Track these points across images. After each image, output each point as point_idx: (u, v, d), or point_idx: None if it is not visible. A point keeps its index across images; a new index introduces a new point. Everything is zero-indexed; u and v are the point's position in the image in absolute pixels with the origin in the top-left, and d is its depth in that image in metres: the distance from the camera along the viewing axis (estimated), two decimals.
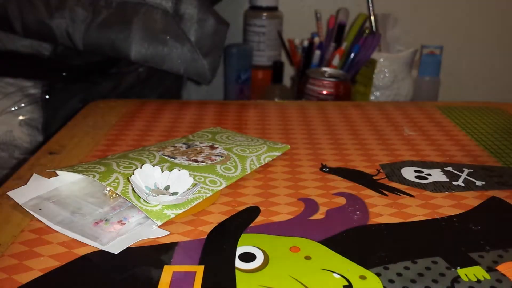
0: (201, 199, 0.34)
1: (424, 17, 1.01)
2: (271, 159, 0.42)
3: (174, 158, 0.38)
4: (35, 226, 0.31)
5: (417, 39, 0.98)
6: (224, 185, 0.36)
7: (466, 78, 1.06)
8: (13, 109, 0.63)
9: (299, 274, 0.27)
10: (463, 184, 0.38)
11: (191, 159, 0.39)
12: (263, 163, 0.41)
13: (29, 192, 0.34)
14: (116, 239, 0.30)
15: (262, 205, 0.35)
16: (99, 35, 0.64)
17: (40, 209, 0.32)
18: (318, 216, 0.33)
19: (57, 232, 0.31)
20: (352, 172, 0.40)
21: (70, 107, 0.67)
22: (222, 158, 0.39)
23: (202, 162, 0.38)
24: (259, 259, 0.28)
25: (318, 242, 0.30)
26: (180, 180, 0.34)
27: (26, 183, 0.35)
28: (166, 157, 0.38)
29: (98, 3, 0.64)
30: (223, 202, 0.35)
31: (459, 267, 0.28)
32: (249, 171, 0.39)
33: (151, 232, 0.31)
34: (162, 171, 0.34)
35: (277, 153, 0.43)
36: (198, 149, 0.41)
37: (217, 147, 0.42)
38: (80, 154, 0.43)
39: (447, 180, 0.39)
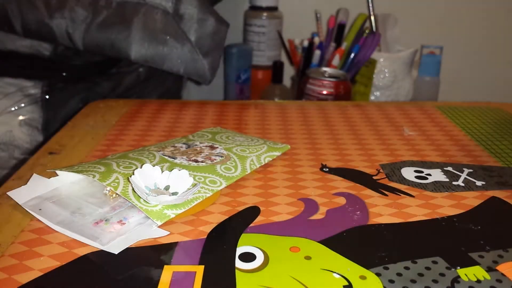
0: (201, 199, 0.34)
1: (424, 17, 1.01)
2: (271, 159, 0.42)
3: (174, 158, 0.38)
4: (35, 226, 0.31)
5: (417, 39, 0.98)
6: (224, 185, 0.36)
7: (466, 78, 1.06)
8: (13, 109, 0.63)
9: (299, 274, 0.27)
10: (463, 184, 0.38)
11: (191, 159, 0.39)
12: (263, 163, 0.41)
13: (29, 192, 0.34)
14: (116, 239, 0.30)
15: (262, 205, 0.35)
16: (99, 35, 0.64)
17: (40, 209, 0.32)
18: (318, 216, 0.33)
19: (57, 232, 0.31)
20: (352, 172, 0.40)
21: (70, 107, 0.67)
22: (222, 158, 0.39)
23: (202, 162, 0.38)
24: (259, 259, 0.28)
25: (318, 242, 0.30)
26: (180, 180, 0.34)
27: (26, 183, 0.35)
28: (166, 157, 0.38)
29: (98, 3, 0.64)
30: (223, 202, 0.35)
31: (459, 267, 0.28)
32: (249, 171, 0.39)
33: (151, 232, 0.31)
34: (162, 171, 0.34)
35: (277, 153, 0.43)
36: (198, 149, 0.41)
37: (217, 147, 0.42)
38: (80, 154, 0.43)
39: (447, 180, 0.39)
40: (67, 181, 0.36)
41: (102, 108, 0.56)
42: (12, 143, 0.63)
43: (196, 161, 0.38)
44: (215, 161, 0.39)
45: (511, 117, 0.56)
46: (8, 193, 0.34)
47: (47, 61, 0.71)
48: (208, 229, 0.31)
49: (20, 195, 0.34)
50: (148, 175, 0.33)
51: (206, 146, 0.42)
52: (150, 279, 0.26)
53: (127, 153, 0.40)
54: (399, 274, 0.27)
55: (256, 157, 0.41)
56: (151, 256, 0.28)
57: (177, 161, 0.38)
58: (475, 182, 0.39)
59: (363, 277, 0.27)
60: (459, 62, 1.03)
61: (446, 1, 1.00)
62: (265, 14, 0.93)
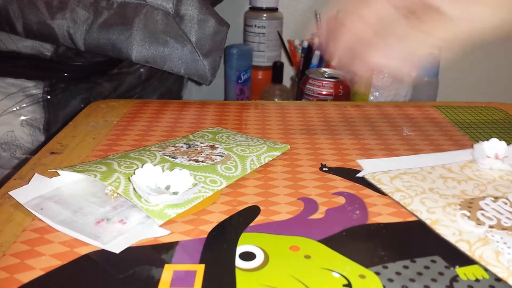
0: (201, 199, 0.34)
1: None
2: (271, 159, 0.42)
3: (175, 158, 0.39)
4: (36, 225, 0.32)
5: None
6: (224, 185, 0.36)
7: (465, 78, 1.06)
8: (14, 109, 0.63)
9: (299, 273, 0.27)
10: None
11: (192, 159, 0.39)
12: (263, 163, 0.41)
13: (31, 192, 0.34)
14: (117, 238, 0.30)
15: (262, 204, 0.35)
16: (100, 36, 0.64)
17: (41, 209, 0.33)
18: (317, 215, 0.33)
19: (59, 231, 0.31)
20: (352, 171, 0.40)
21: (71, 107, 0.68)
22: (223, 158, 0.40)
23: (202, 162, 0.38)
24: (259, 258, 0.28)
25: (318, 241, 0.30)
26: (181, 179, 0.34)
27: (27, 183, 0.35)
28: (167, 157, 0.38)
29: (99, 4, 0.65)
30: (223, 201, 0.35)
31: (458, 266, 0.28)
32: (249, 170, 0.39)
33: (152, 232, 0.31)
34: (163, 171, 0.34)
35: (277, 153, 0.43)
36: (199, 149, 0.41)
37: (218, 147, 0.42)
38: (82, 154, 0.43)
39: None
40: (68, 180, 0.36)
41: (104, 108, 0.57)
42: (13, 143, 0.63)
43: (197, 161, 0.38)
44: (215, 161, 0.39)
45: (510, 117, 0.56)
46: (10, 192, 0.34)
47: (49, 61, 0.71)
48: (208, 228, 0.32)
49: (22, 194, 0.34)
50: (149, 175, 0.34)
51: (206, 146, 0.42)
52: (151, 278, 0.27)
53: (128, 153, 0.40)
54: (398, 273, 0.27)
55: (256, 157, 0.41)
56: (152, 255, 0.29)
57: (177, 161, 0.38)
58: None
59: (362, 276, 0.27)
60: (458, 63, 1.03)
61: None
62: (265, 15, 0.93)
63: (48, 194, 0.35)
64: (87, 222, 0.31)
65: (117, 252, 0.29)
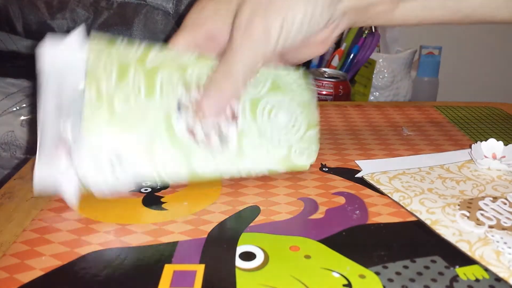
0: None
1: None
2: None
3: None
4: (36, 225, 0.32)
5: (416, 39, 0.98)
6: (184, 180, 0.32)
7: (465, 78, 1.06)
8: (14, 109, 0.63)
9: (299, 273, 0.27)
10: None
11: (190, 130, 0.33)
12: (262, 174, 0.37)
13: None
14: (48, 178, 0.29)
15: (262, 204, 0.35)
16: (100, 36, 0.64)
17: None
18: (317, 215, 0.33)
19: (59, 231, 0.31)
20: (352, 171, 0.40)
21: None
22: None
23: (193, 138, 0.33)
24: (259, 258, 0.28)
25: (318, 241, 0.30)
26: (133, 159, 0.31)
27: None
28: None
29: (99, 4, 0.65)
30: (223, 201, 0.35)
31: (458, 266, 0.28)
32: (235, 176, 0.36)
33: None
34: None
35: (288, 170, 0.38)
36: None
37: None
38: None
39: None
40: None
41: None
42: (13, 143, 0.63)
43: (193, 134, 0.33)
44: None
45: (510, 117, 0.56)
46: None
47: None
48: (208, 228, 0.32)
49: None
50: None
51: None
52: (151, 278, 0.27)
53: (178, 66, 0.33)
54: (398, 273, 0.27)
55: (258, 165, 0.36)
56: (152, 255, 0.29)
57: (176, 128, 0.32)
58: None
59: (362, 276, 0.27)
60: (458, 63, 1.04)
61: None
62: None
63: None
64: (50, 136, 0.30)
65: (34, 187, 0.29)
